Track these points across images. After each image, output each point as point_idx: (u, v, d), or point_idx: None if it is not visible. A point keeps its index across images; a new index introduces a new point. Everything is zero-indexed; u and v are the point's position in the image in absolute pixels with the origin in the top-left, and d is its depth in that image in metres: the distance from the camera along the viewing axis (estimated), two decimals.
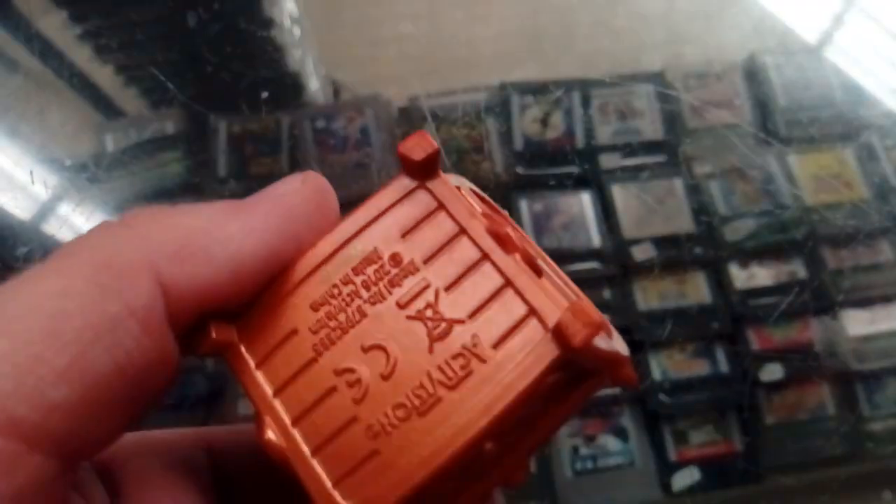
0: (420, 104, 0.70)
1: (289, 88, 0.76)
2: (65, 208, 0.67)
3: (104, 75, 0.76)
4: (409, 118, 0.71)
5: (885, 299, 0.67)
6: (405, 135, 0.73)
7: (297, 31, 0.80)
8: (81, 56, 0.76)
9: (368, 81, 0.77)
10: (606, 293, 0.68)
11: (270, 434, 0.17)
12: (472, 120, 0.69)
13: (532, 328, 0.17)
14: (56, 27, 0.76)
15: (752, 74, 0.74)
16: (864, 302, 0.66)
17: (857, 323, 0.65)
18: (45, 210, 0.67)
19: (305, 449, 0.17)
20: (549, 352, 0.16)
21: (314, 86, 0.80)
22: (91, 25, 0.72)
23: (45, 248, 0.66)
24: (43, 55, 0.74)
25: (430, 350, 0.17)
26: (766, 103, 0.72)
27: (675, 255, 0.68)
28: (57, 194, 0.67)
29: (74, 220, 0.66)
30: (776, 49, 0.75)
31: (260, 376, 0.18)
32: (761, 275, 0.68)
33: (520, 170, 0.70)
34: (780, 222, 0.68)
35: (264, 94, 0.65)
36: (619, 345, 0.19)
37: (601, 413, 0.65)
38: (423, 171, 0.20)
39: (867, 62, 0.75)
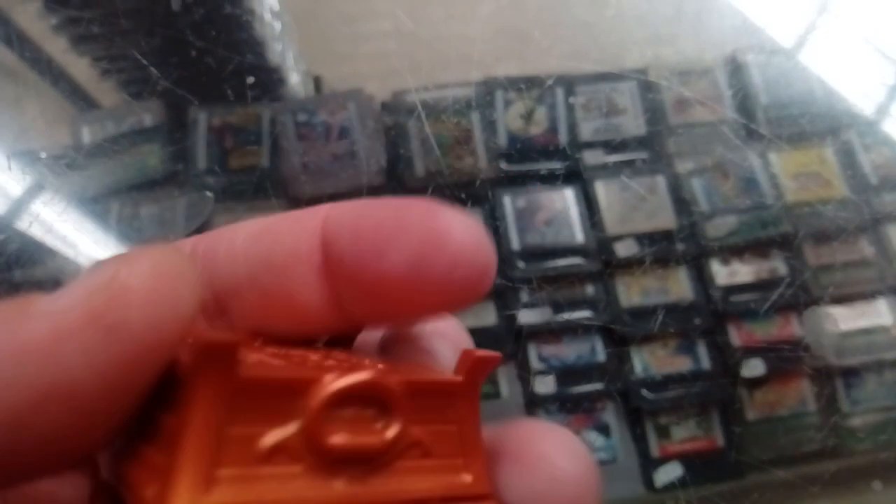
0: (406, 97, 0.69)
1: (269, 82, 0.75)
2: (40, 200, 0.66)
3: (81, 67, 0.75)
4: (393, 112, 0.71)
5: (865, 296, 0.67)
6: (388, 130, 0.72)
7: (277, 26, 0.79)
8: (57, 47, 0.74)
9: (349, 78, 0.77)
10: (590, 289, 0.68)
11: None
12: (462, 108, 0.69)
13: None
14: (31, 17, 0.75)
15: (735, 73, 0.74)
16: (845, 298, 0.67)
17: (838, 319, 0.66)
18: (21, 201, 0.66)
19: None
20: None
21: (294, 80, 0.79)
22: (70, 14, 0.71)
23: (19, 240, 0.65)
24: (18, 46, 0.73)
25: None
26: (748, 101, 0.73)
27: (658, 251, 0.68)
28: (32, 186, 0.66)
29: (49, 212, 0.65)
30: (757, 49, 0.76)
31: None
32: (743, 271, 0.68)
33: (503, 165, 0.70)
34: (762, 219, 0.69)
35: (250, 80, 0.64)
36: None
37: (584, 409, 0.65)
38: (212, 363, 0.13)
39: (845, 64, 0.76)
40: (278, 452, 0.14)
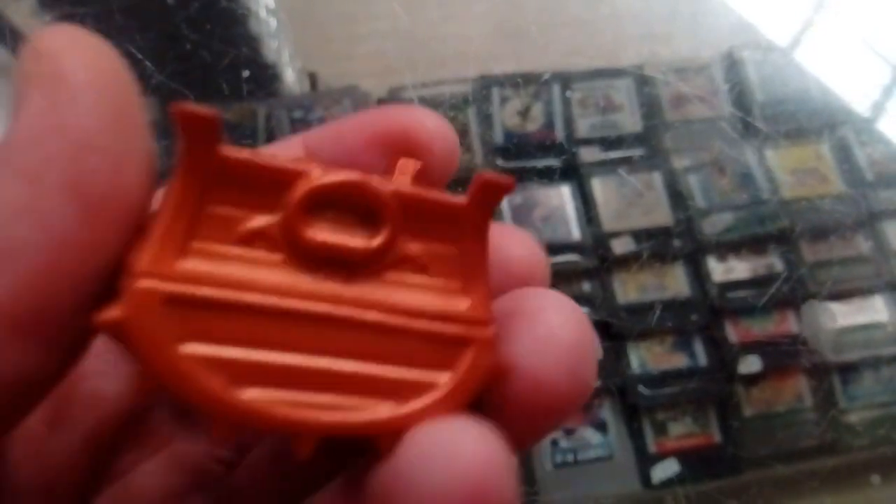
0: (402, 94, 0.69)
1: (264, 78, 0.75)
2: None
3: None
4: None
5: (861, 292, 0.67)
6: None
7: (273, 23, 0.79)
8: None
9: (345, 76, 0.76)
10: (586, 286, 0.68)
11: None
12: (458, 104, 0.69)
13: None
14: (25, 15, 0.75)
15: (731, 69, 0.75)
16: (841, 294, 0.67)
17: (834, 315, 0.66)
18: None
19: None
20: None
21: (290, 77, 0.79)
22: (64, 11, 0.70)
23: None
24: (12, 43, 0.72)
25: None
26: (744, 98, 0.73)
27: (654, 247, 0.68)
28: None
29: None
30: (752, 46, 0.76)
31: None
32: (739, 268, 0.68)
33: (500, 162, 0.70)
34: (758, 216, 0.69)
35: (245, 73, 0.64)
36: None
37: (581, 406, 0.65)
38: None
39: (840, 61, 0.76)
40: (257, 238, 0.14)
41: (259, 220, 0.14)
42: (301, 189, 0.14)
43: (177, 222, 0.13)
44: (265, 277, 0.14)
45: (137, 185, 0.14)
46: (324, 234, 0.14)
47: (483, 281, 0.15)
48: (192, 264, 0.13)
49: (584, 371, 0.16)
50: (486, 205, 0.15)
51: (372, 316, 0.14)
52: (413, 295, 0.15)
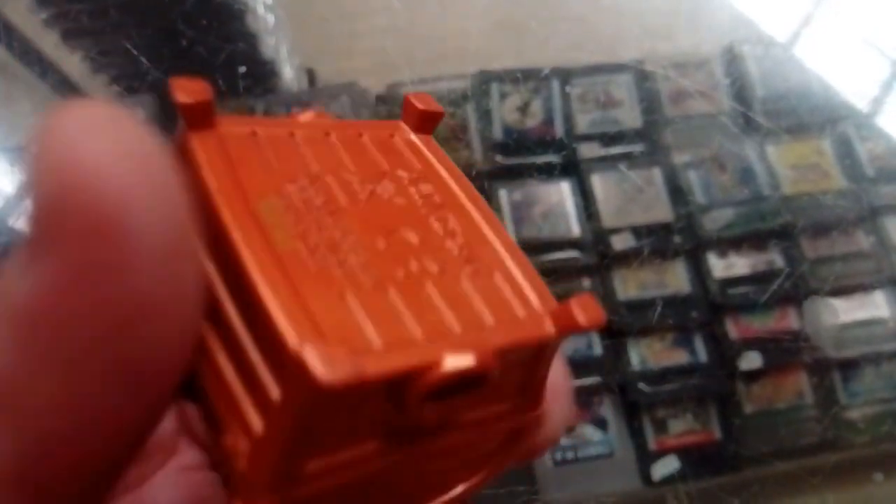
0: (400, 90, 0.69)
1: (262, 75, 0.74)
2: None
3: (72, 62, 0.75)
4: (388, 104, 0.71)
5: (863, 287, 0.67)
6: (384, 118, 0.72)
7: (270, 19, 0.79)
8: (48, 42, 0.74)
9: (343, 72, 0.76)
10: (586, 282, 0.67)
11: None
12: (457, 100, 0.68)
13: None
14: (21, 12, 0.74)
15: (731, 64, 0.74)
16: (842, 290, 0.67)
17: (835, 311, 0.66)
18: (11, 197, 0.65)
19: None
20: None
21: (288, 74, 0.79)
22: (60, 8, 0.70)
23: (9, 235, 0.65)
24: (7, 41, 0.72)
25: None
26: (744, 92, 0.72)
27: (654, 244, 0.68)
28: (24, 181, 0.65)
29: None
30: (753, 41, 0.76)
31: None
32: (740, 264, 0.68)
33: (499, 158, 0.70)
34: (759, 212, 0.69)
35: (242, 69, 0.63)
36: None
37: (581, 403, 0.65)
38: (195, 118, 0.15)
39: (840, 57, 0.76)
40: (364, 433, 0.14)
41: (367, 417, 0.13)
42: (415, 394, 0.13)
43: (289, 448, 0.13)
44: (371, 466, 0.14)
45: (192, 339, 0.12)
46: (432, 411, 0.14)
47: (545, 373, 0.16)
48: (307, 486, 0.13)
49: (571, 408, 0.19)
50: (568, 333, 0.16)
51: (455, 446, 0.15)
52: (486, 407, 0.16)
